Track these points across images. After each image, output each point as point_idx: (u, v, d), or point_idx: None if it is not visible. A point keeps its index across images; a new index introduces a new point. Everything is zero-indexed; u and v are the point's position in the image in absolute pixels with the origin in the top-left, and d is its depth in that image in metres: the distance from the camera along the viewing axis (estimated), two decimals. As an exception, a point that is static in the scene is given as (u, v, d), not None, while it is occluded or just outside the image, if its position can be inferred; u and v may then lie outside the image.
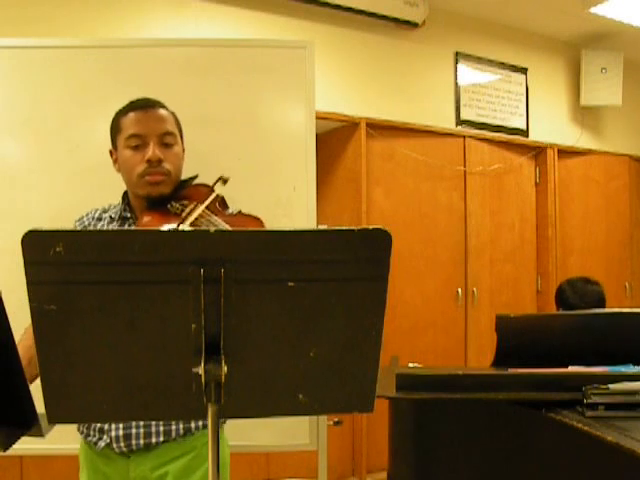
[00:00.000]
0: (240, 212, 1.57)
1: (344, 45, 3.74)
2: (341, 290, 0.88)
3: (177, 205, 1.50)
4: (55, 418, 0.92)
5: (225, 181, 1.56)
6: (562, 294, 2.70)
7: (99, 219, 1.61)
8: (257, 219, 1.54)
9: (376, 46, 3.85)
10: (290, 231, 0.87)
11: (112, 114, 1.55)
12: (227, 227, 1.46)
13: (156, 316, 0.87)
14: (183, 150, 1.58)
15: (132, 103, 1.54)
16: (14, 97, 2.06)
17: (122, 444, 1.45)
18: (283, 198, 2.05)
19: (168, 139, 1.50)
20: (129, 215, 1.57)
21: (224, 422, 1.57)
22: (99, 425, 1.48)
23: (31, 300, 0.83)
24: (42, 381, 0.87)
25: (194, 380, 0.87)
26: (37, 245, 0.80)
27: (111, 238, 0.84)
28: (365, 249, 0.86)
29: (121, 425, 1.46)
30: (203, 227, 1.44)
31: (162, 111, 1.53)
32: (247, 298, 0.86)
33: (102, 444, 1.47)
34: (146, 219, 1.48)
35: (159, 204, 1.50)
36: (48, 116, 2.05)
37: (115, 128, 1.54)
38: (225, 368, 0.86)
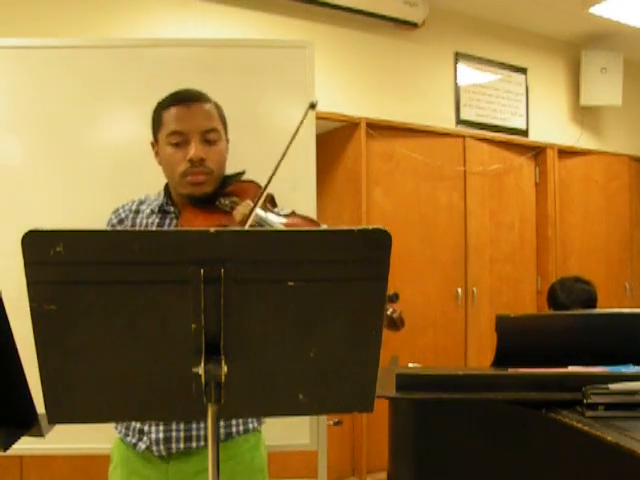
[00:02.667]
0: (294, 212, 1.50)
1: (344, 45, 3.74)
2: (341, 290, 0.88)
3: (226, 202, 1.43)
4: (55, 418, 0.92)
5: (313, 106, 1.38)
6: (552, 292, 2.71)
7: (137, 212, 1.55)
8: (313, 221, 1.47)
9: (376, 46, 3.84)
10: (290, 231, 0.87)
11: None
12: (283, 228, 1.37)
13: (156, 316, 0.87)
14: (227, 141, 1.52)
15: (174, 95, 1.47)
16: (18, 97, 2.06)
17: (162, 447, 1.42)
18: (283, 198, 2.05)
19: (211, 136, 1.44)
20: (172, 209, 1.51)
21: (260, 425, 1.53)
22: (139, 426, 1.44)
23: (31, 300, 0.83)
24: (42, 381, 0.87)
25: (194, 380, 0.87)
26: (37, 245, 0.80)
27: (111, 238, 0.84)
28: (365, 249, 0.86)
29: (161, 427, 1.42)
30: (258, 227, 1.37)
31: (206, 105, 1.46)
32: (247, 298, 0.86)
33: (142, 446, 1.43)
34: (190, 215, 1.41)
35: (205, 201, 1.44)
36: (52, 116, 2.05)
37: (156, 122, 1.48)
38: (225, 368, 0.86)
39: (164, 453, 1.42)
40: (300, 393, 0.93)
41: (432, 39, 4.02)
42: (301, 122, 1.36)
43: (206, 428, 1.41)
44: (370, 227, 0.84)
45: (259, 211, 1.39)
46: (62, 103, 2.05)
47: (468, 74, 4.18)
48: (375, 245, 0.85)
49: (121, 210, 1.57)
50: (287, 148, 1.36)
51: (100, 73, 2.05)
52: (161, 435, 1.42)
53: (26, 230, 0.79)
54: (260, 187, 1.45)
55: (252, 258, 0.85)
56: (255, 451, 1.51)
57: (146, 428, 1.43)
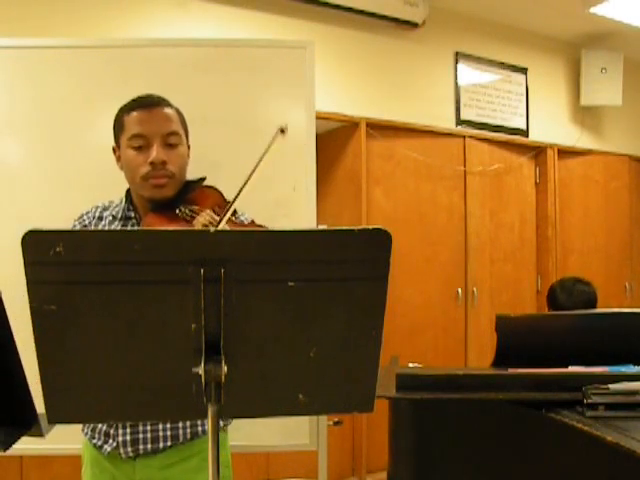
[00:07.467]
0: (253, 222, 1.52)
1: (344, 45, 3.74)
2: (341, 290, 0.88)
3: (186, 210, 1.45)
4: (55, 418, 0.92)
5: (283, 131, 1.43)
6: (552, 294, 2.70)
7: (100, 218, 1.56)
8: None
9: (376, 46, 3.84)
10: (290, 231, 0.87)
11: (113, 113, 1.54)
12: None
13: (156, 316, 0.87)
14: (189, 147, 1.54)
15: (136, 100, 1.49)
16: (17, 97, 2.06)
17: (129, 449, 1.44)
18: (283, 198, 2.05)
19: (172, 139, 1.46)
20: (132, 215, 1.53)
21: (226, 425, 1.55)
22: (105, 428, 1.46)
23: (31, 300, 0.83)
24: (42, 381, 0.87)
25: (194, 380, 0.87)
26: (37, 245, 0.80)
27: (111, 238, 0.84)
28: (365, 249, 0.86)
29: (128, 430, 1.44)
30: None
31: (167, 110, 1.48)
32: (247, 298, 0.86)
33: (108, 448, 1.45)
34: (152, 221, 1.43)
35: (166, 206, 1.46)
36: (50, 116, 2.05)
37: (118, 126, 1.49)
38: (225, 368, 0.86)
39: (131, 454, 1.44)
40: (300, 393, 0.93)
41: (432, 39, 4.02)
42: (269, 146, 1.39)
43: (172, 429, 1.45)
44: (370, 227, 0.84)
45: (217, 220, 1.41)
46: (61, 103, 2.05)
47: (468, 74, 4.18)
48: (375, 245, 0.85)
49: (85, 217, 1.58)
50: (255, 167, 1.39)
51: (99, 73, 2.05)
52: (128, 437, 1.44)
53: (26, 230, 0.79)
54: (221, 194, 1.48)
55: (252, 258, 0.85)
56: (221, 449, 1.54)
57: (112, 431, 1.45)
